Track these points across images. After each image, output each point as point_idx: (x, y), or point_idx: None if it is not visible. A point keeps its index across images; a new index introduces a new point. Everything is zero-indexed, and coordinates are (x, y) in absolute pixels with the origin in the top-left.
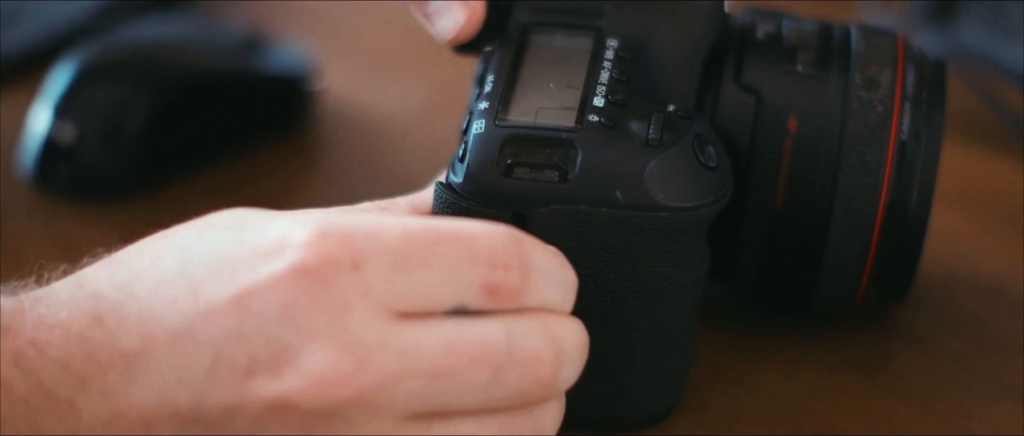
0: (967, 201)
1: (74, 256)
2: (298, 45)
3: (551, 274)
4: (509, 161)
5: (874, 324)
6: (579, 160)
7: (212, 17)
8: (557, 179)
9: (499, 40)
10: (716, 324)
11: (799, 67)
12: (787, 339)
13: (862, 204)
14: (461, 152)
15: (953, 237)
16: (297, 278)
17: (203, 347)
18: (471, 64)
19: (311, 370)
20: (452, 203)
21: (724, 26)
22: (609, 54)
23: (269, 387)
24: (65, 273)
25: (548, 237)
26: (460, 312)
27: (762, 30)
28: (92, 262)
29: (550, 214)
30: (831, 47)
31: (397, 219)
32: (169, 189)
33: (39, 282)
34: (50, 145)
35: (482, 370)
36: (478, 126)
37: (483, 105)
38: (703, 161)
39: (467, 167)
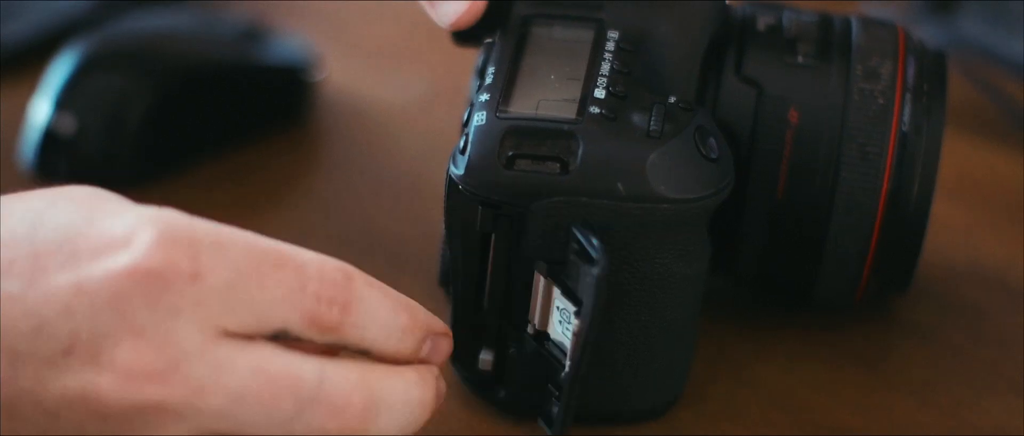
0: (968, 193)
1: None
2: (298, 36)
3: (377, 316)
4: (510, 153)
5: (875, 317)
6: (580, 152)
7: (212, 8)
8: (558, 171)
9: (500, 32)
10: (717, 316)
11: (800, 59)
12: (788, 332)
13: (863, 196)
14: (462, 144)
15: (954, 229)
16: (136, 276)
17: (30, 316)
18: (471, 56)
19: (124, 363)
20: (457, 193)
21: (725, 18)
22: (610, 46)
23: (83, 372)
24: None
25: (549, 229)
26: (281, 337)
27: (763, 22)
28: None
29: (551, 206)
30: (832, 39)
31: (242, 235)
32: (169, 180)
33: None
34: (50, 136)
35: (285, 401)
36: (479, 118)
37: (484, 97)
38: (704, 153)
39: (468, 159)
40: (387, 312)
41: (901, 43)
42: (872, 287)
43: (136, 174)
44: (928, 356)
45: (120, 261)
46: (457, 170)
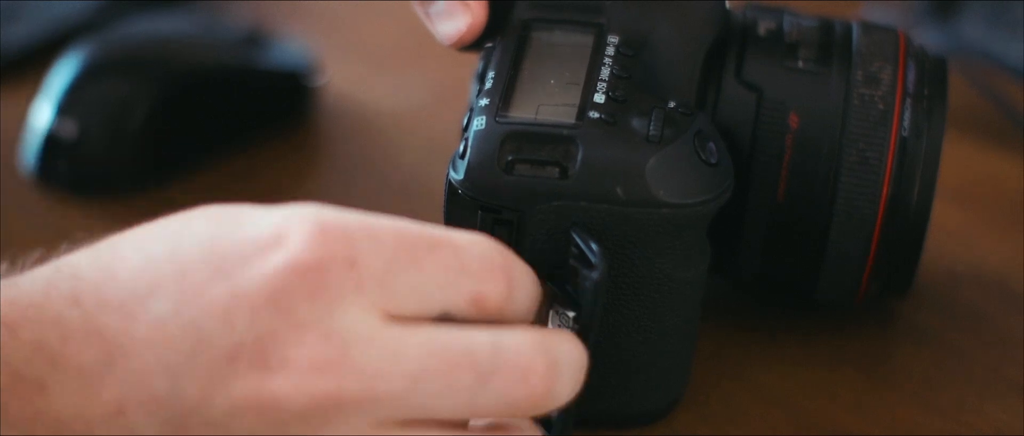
0: (968, 196)
1: None
2: (299, 41)
3: (530, 289)
4: (510, 158)
5: (875, 319)
6: (580, 156)
7: (213, 12)
8: (558, 175)
9: (500, 37)
10: (717, 319)
11: (800, 63)
12: (788, 334)
13: (863, 200)
14: (462, 149)
15: (954, 232)
16: (294, 270)
17: (187, 330)
18: (471, 61)
19: (296, 361)
20: (456, 198)
21: (725, 22)
22: (610, 50)
23: (251, 377)
24: (40, 258)
25: (549, 234)
26: (446, 319)
27: (763, 26)
28: (72, 249)
29: (551, 210)
30: (832, 43)
31: (392, 222)
32: (171, 185)
33: (12, 268)
34: (52, 141)
35: (465, 376)
36: (479, 123)
37: (484, 102)
38: (704, 157)
39: (468, 164)
40: (534, 284)
41: (902, 48)
42: (873, 289)
43: (137, 179)
44: (929, 358)
45: (274, 261)
46: (456, 175)
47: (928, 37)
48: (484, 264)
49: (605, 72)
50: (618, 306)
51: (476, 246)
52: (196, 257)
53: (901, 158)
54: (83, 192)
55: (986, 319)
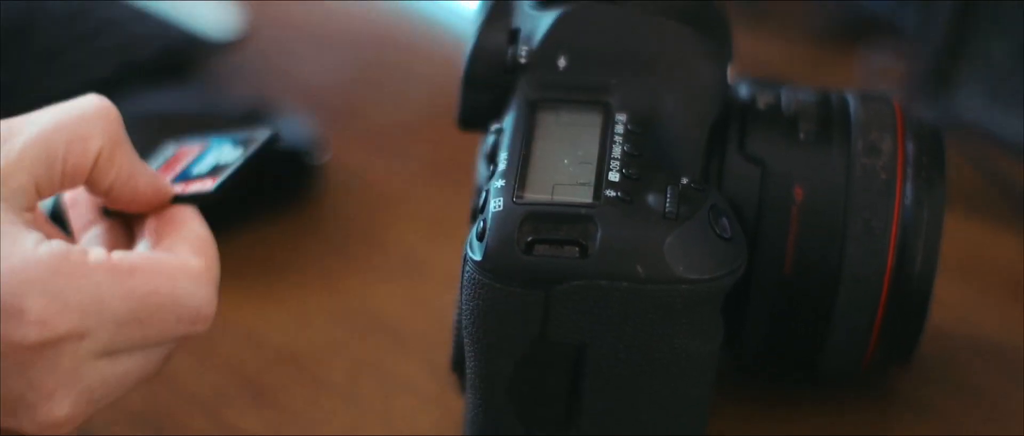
0: (967, 271)
1: None
2: (302, 118)
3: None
4: (529, 238)
5: (875, 392)
6: (599, 235)
7: (216, 89)
8: (578, 255)
9: (507, 117)
10: (721, 390)
11: (801, 136)
12: (791, 405)
13: (870, 269)
14: (479, 230)
15: (954, 306)
16: (35, 347)
17: None
18: (471, 140)
19: (47, 418)
20: (476, 280)
21: (726, 97)
22: (619, 128)
23: (7, 421)
24: None
25: (570, 312)
26: None
27: (762, 100)
28: None
29: (572, 290)
30: (831, 115)
31: (120, 287)
32: None
33: None
34: (56, 215)
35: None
36: (496, 204)
37: (500, 183)
38: (718, 233)
39: (487, 246)
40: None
41: (899, 117)
42: (877, 357)
43: None
44: (929, 432)
45: (18, 336)
46: (476, 256)
47: (923, 110)
48: (199, 312)
49: (617, 150)
50: (635, 380)
51: (192, 298)
52: None
53: (904, 226)
54: None
55: (984, 394)
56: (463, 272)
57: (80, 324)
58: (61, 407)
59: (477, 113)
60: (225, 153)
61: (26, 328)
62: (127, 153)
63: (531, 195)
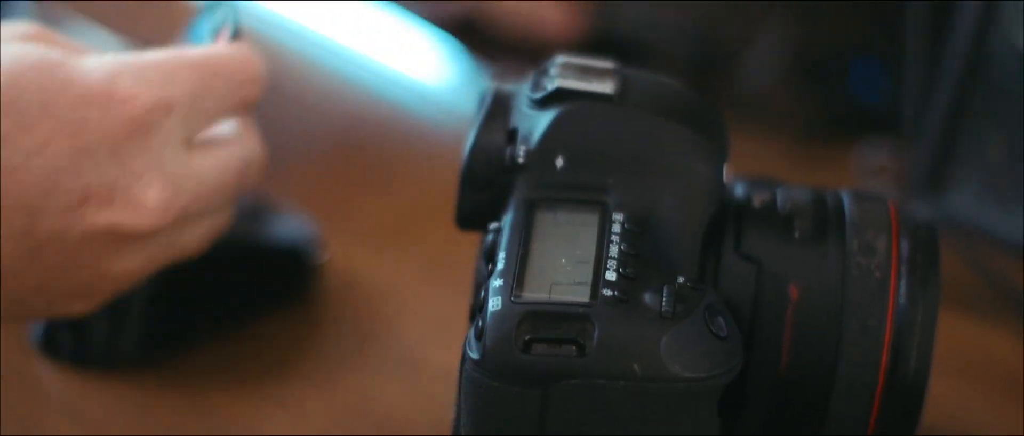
0: (961, 369)
1: (81, 425)
2: (300, 217)
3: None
4: (527, 337)
5: None
6: (596, 334)
7: None
8: (575, 353)
9: (505, 216)
10: None
11: (797, 235)
12: None
13: (864, 368)
14: (477, 329)
15: (948, 404)
16: (127, 125)
17: (39, 178)
18: (470, 239)
19: (140, 201)
20: (474, 378)
21: (722, 196)
22: (616, 228)
23: (102, 213)
24: None
25: (568, 411)
26: None
27: (758, 199)
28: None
29: (569, 388)
30: (826, 214)
31: (185, 58)
32: (174, 359)
33: None
34: (54, 321)
35: (250, 179)
36: (494, 303)
37: (498, 282)
38: (714, 331)
39: (485, 345)
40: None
41: (893, 217)
42: None
43: (140, 353)
44: None
45: (111, 117)
46: (474, 354)
47: (918, 208)
48: (245, 74)
49: (614, 250)
50: None
51: (244, 58)
52: (36, 114)
53: (899, 325)
54: (86, 365)
55: None
56: (461, 371)
57: (162, 93)
58: (151, 189)
59: (475, 212)
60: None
61: (118, 108)
62: None
63: (529, 294)
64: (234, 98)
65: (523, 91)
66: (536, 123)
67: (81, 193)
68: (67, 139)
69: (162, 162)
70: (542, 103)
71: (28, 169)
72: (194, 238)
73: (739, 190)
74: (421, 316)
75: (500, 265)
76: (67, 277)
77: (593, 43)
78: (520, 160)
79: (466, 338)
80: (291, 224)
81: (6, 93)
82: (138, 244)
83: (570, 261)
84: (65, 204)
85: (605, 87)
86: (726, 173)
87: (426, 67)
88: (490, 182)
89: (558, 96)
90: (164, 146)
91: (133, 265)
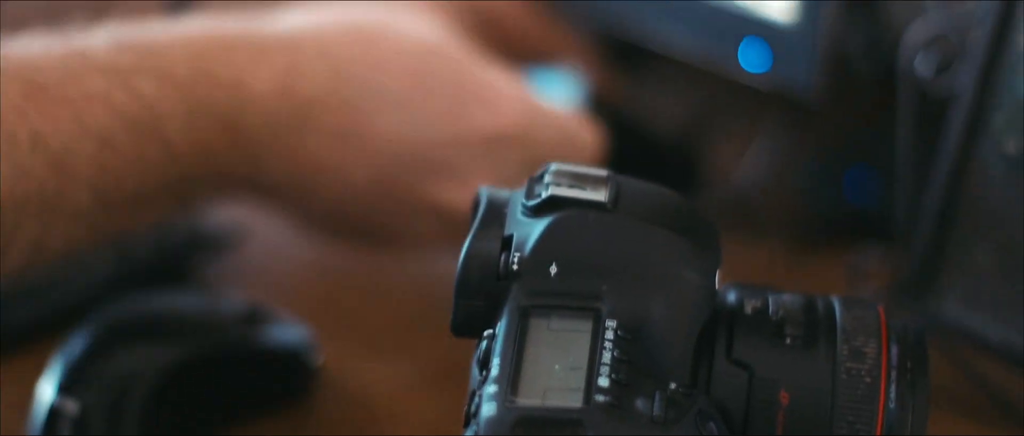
0: None
1: None
2: (297, 321)
3: None
4: None
5: None
6: None
7: (214, 292)
8: None
9: (499, 323)
10: None
11: (787, 341)
12: None
13: None
14: (472, 435)
15: None
16: (501, 140)
17: (418, 138)
18: (466, 345)
19: (469, 197)
20: None
21: (714, 302)
22: (609, 335)
23: (443, 188)
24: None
25: None
26: None
27: (750, 305)
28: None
29: None
30: (817, 320)
31: (554, 110)
32: None
33: None
34: (54, 416)
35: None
36: (488, 409)
37: (492, 388)
38: None
39: None
40: None
41: (883, 322)
42: None
43: None
44: None
45: (489, 124)
46: None
47: (908, 313)
48: (586, 153)
49: (606, 356)
50: None
51: (589, 139)
52: (439, 89)
53: (889, 430)
54: None
55: None
56: None
57: (526, 123)
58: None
59: (470, 320)
60: None
61: (494, 119)
62: None
63: (523, 400)
64: (569, 157)
65: (517, 198)
66: (530, 231)
67: (443, 166)
68: (452, 121)
69: (504, 174)
70: (536, 210)
71: (413, 127)
72: None
73: (731, 296)
74: (416, 421)
75: (494, 371)
76: (393, 227)
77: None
78: (514, 268)
79: None
80: (288, 329)
81: (421, 64)
82: (452, 225)
83: (563, 367)
84: (426, 168)
85: (598, 195)
86: (718, 280)
87: None
88: (485, 289)
89: (552, 204)
90: (509, 163)
91: (437, 237)
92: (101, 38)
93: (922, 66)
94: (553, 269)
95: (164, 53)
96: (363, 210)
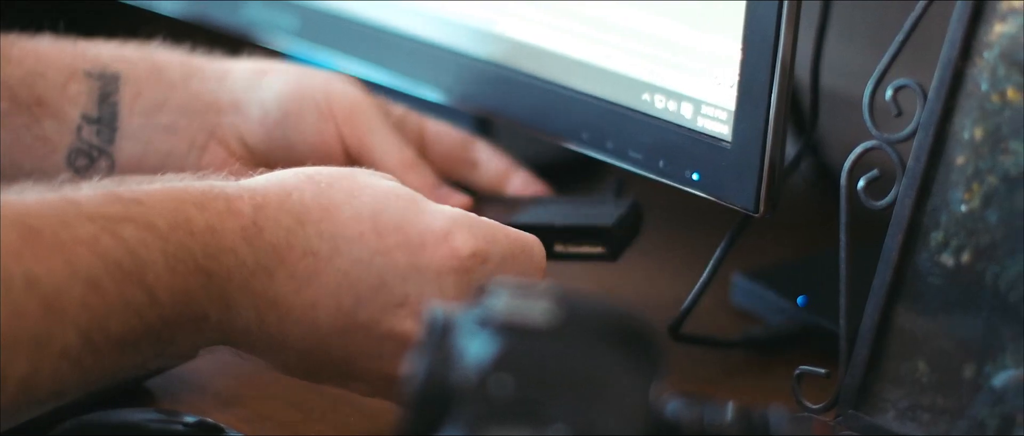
0: None
1: None
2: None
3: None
4: None
5: None
6: None
7: (165, 410)
8: None
9: None
10: None
11: None
12: None
13: None
14: None
15: None
16: (453, 266)
17: (374, 276)
18: None
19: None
20: None
21: (654, 416)
22: None
23: (409, 321)
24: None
25: None
26: None
27: (686, 418)
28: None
29: None
30: (751, 433)
31: (503, 231)
32: None
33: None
34: None
35: None
36: None
37: None
38: None
39: None
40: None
41: (817, 431)
42: None
43: None
44: None
45: (445, 255)
46: None
47: (847, 425)
48: (535, 268)
49: None
50: None
51: (537, 255)
52: (391, 226)
53: None
54: None
55: None
56: None
57: (485, 248)
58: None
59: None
60: None
61: (448, 245)
62: None
63: None
64: (521, 274)
65: (466, 316)
66: (479, 348)
67: (400, 298)
68: (406, 255)
69: (460, 297)
70: (484, 329)
71: (370, 265)
72: None
73: (671, 407)
74: None
75: None
76: (359, 362)
77: None
78: (464, 385)
79: None
80: None
81: (373, 205)
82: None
83: None
84: (385, 302)
85: (544, 311)
86: (658, 392)
87: None
88: (435, 407)
89: (498, 321)
90: (473, 290)
91: (401, 373)
92: (92, 189)
93: (862, 187)
94: (501, 386)
95: (147, 203)
96: (330, 348)
